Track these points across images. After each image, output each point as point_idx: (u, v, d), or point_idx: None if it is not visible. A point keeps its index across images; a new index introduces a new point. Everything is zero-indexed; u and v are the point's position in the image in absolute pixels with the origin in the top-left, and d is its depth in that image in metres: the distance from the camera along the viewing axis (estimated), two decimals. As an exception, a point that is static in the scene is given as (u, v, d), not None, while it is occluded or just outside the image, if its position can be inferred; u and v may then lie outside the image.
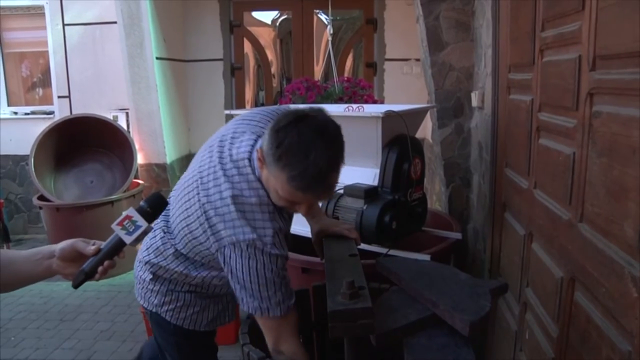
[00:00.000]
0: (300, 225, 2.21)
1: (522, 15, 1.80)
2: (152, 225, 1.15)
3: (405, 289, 1.39)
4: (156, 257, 1.51)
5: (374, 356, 1.31)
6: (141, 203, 1.14)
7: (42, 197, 4.17)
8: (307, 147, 1.12)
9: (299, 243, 2.21)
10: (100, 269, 1.09)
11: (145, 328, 3.04)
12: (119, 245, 1.11)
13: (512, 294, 1.92)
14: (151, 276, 1.54)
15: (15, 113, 5.29)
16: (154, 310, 1.59)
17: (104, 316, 3.46)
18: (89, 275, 1.09)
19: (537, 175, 1.68)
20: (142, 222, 1.11)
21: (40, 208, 4.16)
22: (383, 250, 1.98)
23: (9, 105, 5.34)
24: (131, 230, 1.10)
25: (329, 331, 1.09)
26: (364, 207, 1.95)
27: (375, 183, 2.05)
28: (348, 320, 1.07)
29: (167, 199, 1.38)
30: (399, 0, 4.96)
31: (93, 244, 1.11)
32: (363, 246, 1.99)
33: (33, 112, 5.24)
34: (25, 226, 5.32)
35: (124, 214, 1.11)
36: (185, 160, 4.95)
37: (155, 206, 1.15)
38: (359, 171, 2.18)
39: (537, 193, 1.66)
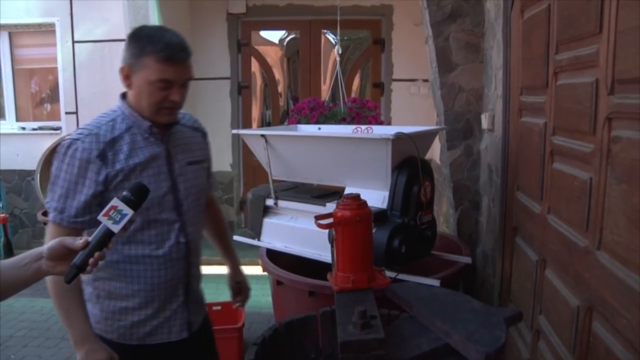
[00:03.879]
0: (307, 247, 2.18)
1: (535, 38, 1.78)
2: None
3: (417, 316, 1.35)
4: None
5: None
6: (124, 192, 1.16)
7: (46, 213, 4.15)
8: (160, 31, 1.38)
9: (305, 266, 2.18)
10: (91, 261, 1.10)
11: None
12: (107, 235, 1.12)
13: (523, 320, 1.86)
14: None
15: (23, 128, 5.31)
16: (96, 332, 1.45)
17: (105, 335, 3.41)
18: (80, 268, 1.09)
19: (550, 200, 1.64)
20: (128, 210, 1.13)
21: (45, 224, 4.13)
22: (392, 274, 1.93)
23: (17, 120, 5.37)
24: (117, 219, 1.12)
25: (338, 361, 1.05)
26: (373, 231, 1.91)
27: (385, 206, 2.01)
28: (360, 351, 1.03)
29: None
30: (406, 21, 4.98)
31: (81, 239, 1.12)
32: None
33: (40, 128, 5.26)
34: (29, 241, 5.29)
35: (109, 204, 1.13)
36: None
37: (138, 194, 1.17)
38: (367, 193, 2.13)
39: (551, 218, 1.62)
